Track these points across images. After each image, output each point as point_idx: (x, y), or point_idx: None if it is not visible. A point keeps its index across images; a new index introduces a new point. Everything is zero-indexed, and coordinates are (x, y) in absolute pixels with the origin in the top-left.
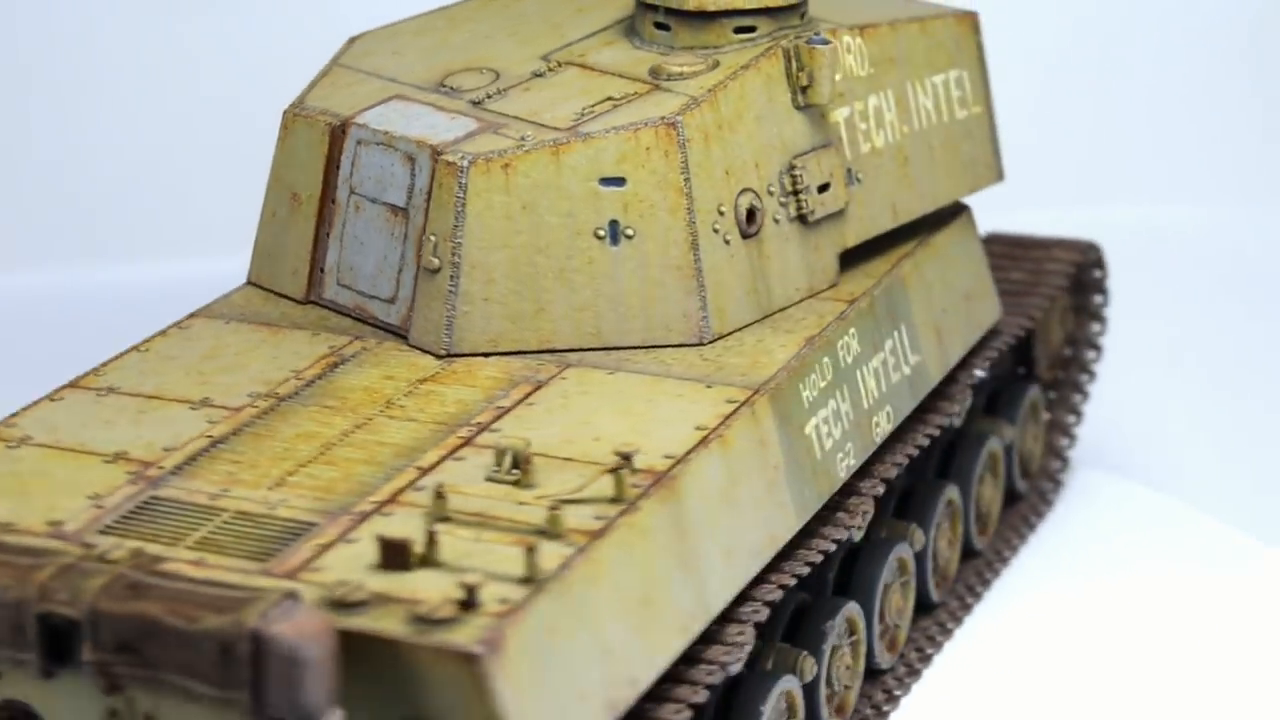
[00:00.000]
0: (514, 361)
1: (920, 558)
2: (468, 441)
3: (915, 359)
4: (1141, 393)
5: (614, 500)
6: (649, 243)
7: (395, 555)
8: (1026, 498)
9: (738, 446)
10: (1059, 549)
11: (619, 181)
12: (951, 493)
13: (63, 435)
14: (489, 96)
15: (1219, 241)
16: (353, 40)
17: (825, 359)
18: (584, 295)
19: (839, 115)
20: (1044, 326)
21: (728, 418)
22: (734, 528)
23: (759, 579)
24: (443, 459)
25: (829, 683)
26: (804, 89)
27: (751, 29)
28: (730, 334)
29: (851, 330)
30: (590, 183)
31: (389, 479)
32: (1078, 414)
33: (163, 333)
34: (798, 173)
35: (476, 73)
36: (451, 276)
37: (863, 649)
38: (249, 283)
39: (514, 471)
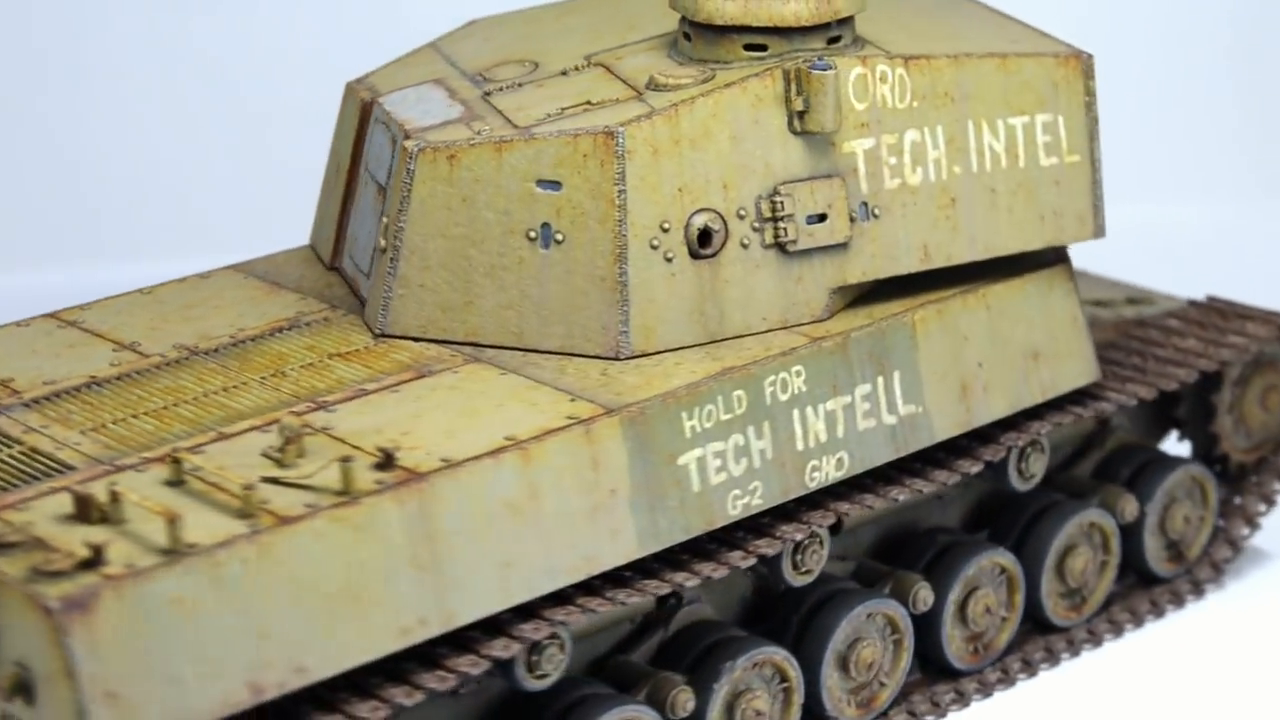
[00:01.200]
0: (431, 349)
1: (930, 618)
2: (289, 414)
3: (908, 410)
4: None
5: (339, 492)
6: (577, 250)
7: (82, 508)
8: (1170, 582)
9: (550, 462)
10: (1174, 640)
11: (555, 185)
12: (999, 558)
13: None
14: (501, 89)
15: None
16: (470, 24)
17: (737, 392)
18: (510, 294)
19: (857, 145)
20: (1239, 403)
21: (550, 432)
22: (522, 541)
23: (568, 599)
24: (250, 429)
25: None
26: (801, 114)
27: (761, 47)
28: (656, 353)
29: (796, 368)
30: (528, 183)
31: (186, 438)
32: (1270, 502)
33: (181, 279)
34: (779, 199)
35: (519, 65)
36: (392, 259)
37: (797, 697)
38: (310, 244)
39: (283, 450)
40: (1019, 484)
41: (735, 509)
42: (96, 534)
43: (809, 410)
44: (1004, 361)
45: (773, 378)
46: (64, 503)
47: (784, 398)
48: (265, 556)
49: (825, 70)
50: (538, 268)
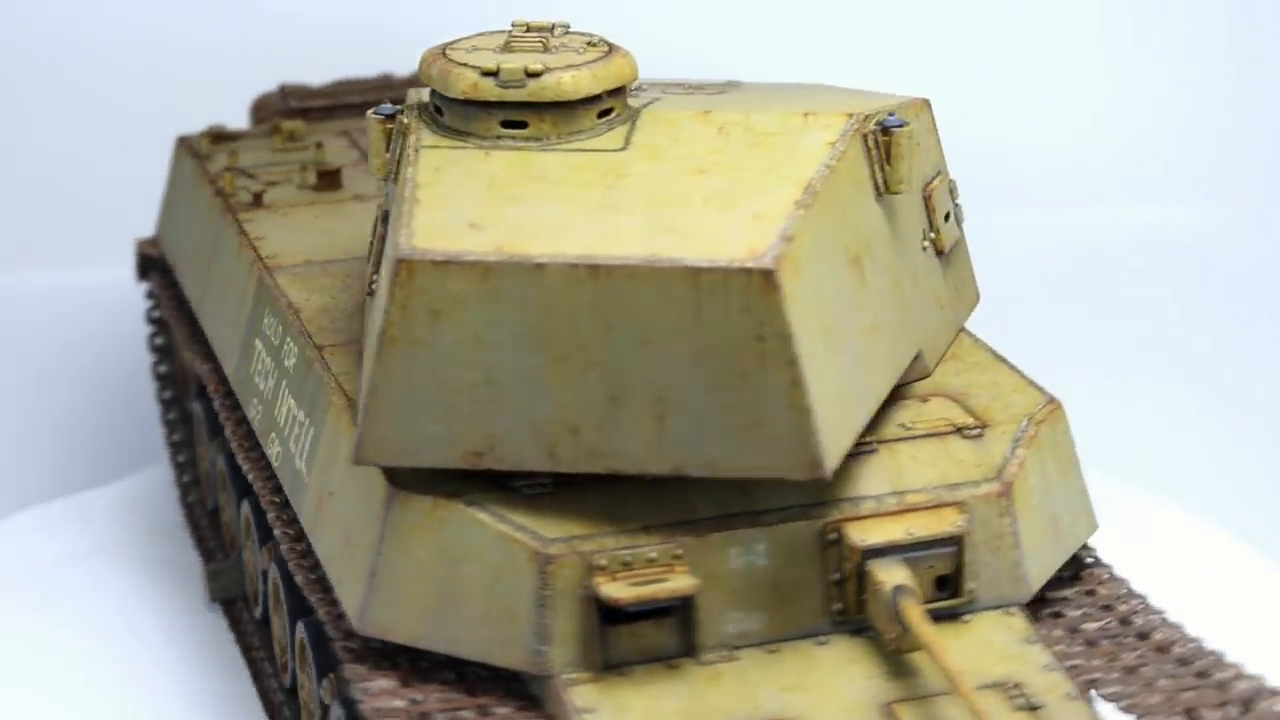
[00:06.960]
0: None
1: None
2: None
3: (301, 468)
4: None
5: None
6: None
7: None
8: None
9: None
10: None
11: None
12: None
13: None
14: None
15: (1222, 243)
16: None
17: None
18: None
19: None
20: None
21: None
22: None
23: None
24: None
25: None
26: None
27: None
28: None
29: (290, 343)
30: None
31: None
32: None
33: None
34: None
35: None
36: None
37: None
38: None
39: None
40: None
41: (253, 414)
42: None
43: (285, 387)
44: (348, 545)
45: (295, 339)
46: None
47: (288, 363)
48: None
49: (373, 113)
50: None
